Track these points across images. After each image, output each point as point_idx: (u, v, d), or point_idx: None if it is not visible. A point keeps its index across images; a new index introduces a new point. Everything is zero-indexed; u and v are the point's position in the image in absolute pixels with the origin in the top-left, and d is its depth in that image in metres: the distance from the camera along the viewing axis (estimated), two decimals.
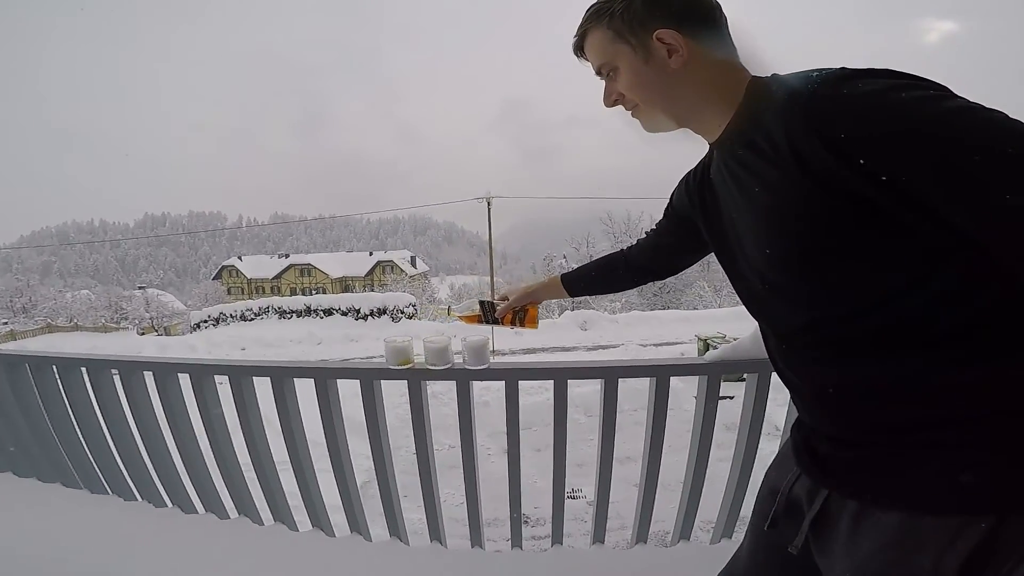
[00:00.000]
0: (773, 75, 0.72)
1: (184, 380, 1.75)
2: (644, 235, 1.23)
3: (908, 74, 0.60)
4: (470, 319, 1.50)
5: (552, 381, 1.52)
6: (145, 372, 1.78)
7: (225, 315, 18.41)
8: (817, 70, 0.64)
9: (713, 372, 1.45)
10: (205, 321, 18.61)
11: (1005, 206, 0.53)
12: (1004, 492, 0.60)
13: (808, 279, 0.69)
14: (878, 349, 0.65)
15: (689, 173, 0.97)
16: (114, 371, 1.78)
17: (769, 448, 1.20)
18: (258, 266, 54.75)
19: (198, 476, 1.88)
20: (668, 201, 1.08)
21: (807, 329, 0.72)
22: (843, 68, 0.62)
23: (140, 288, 38.96)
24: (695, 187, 0.92)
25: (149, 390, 1.82)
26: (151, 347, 14.51)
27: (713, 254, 0.94)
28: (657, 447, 1.59)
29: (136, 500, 2.01)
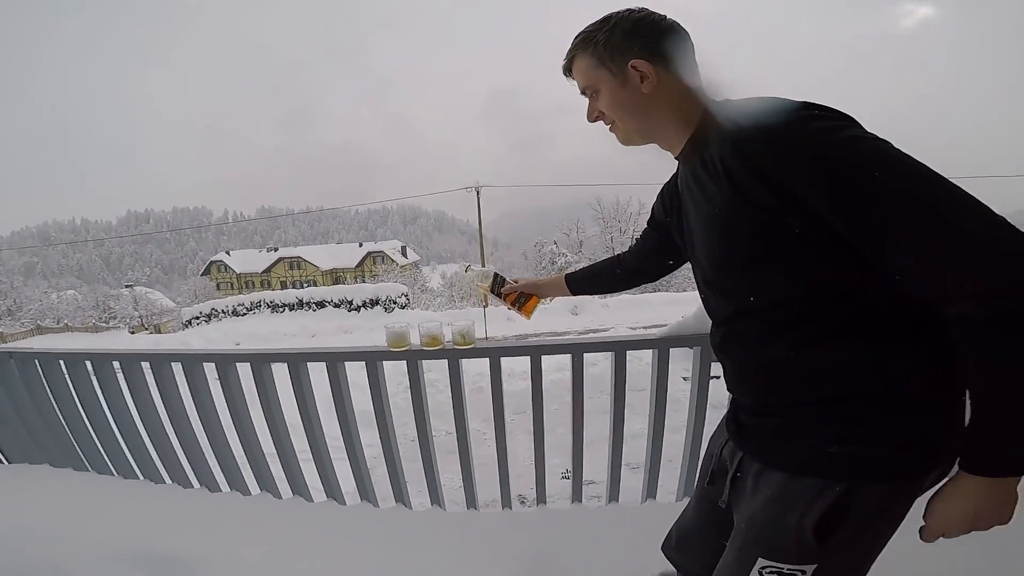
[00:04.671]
0: (724, 101, 0.83)
1: (198, 370, 1.99)
2: (634, 241, 1.37)
3: (824, 107, 0.70)
4: (482, 283, 1.60)
5: (528, 358, 1.77)
6: (173, 364, 2.01)
7: (217, 311, 18.37)
8: (756, 99, 0.76)
9: (663, 346, 1.71)
10: (197, 318, 18.58)
11: (872, 223, 0.64)
12: (858, 464, 0.74)
13: (735, 279, 0.82)
14: (780, 339, 0.78)
15: (664, 185, 1.08)
16: (145, 363, 2.02)
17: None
18: (247, 260, 54.34)
19: (224, 458, 2.13)
20: (650, 212, 1.20)
21: (732, 319, 0.86)
22: (772, 99, 0.73)
23: (127, 286, 38.62)
24: (668, 197, 1.05)
25: (177, 379, 2.05)
26: (146, 345, 14.57)
27: None
28: (620, 415, 1.84)
29: (166, 483, 2.25)
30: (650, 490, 2.01)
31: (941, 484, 0.74)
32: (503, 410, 1.89)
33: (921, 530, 0.75)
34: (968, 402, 0.69)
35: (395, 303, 16.47)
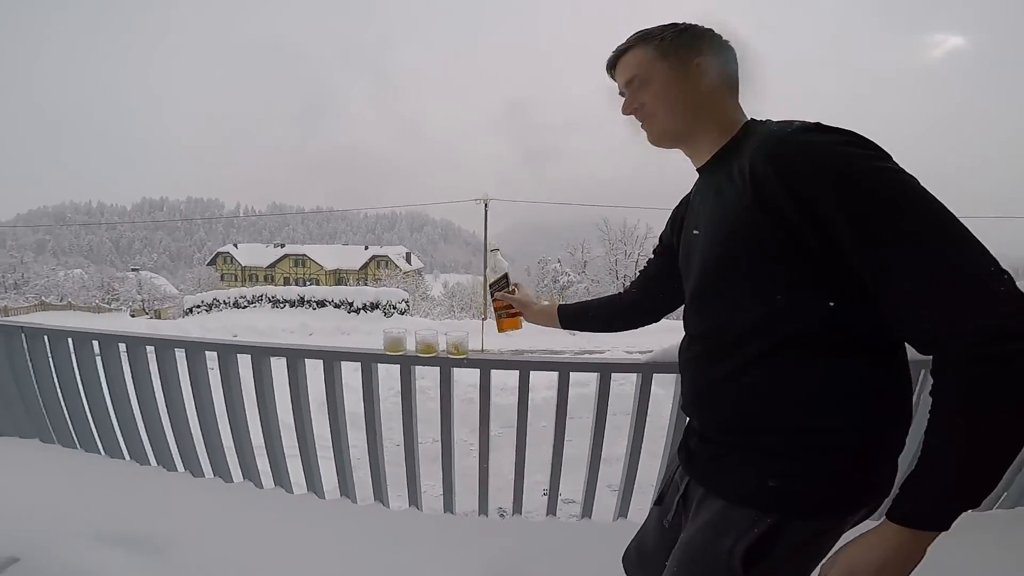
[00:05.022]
0: (765, 120, 0.86)
1: (200, 358, 2.07)
2: (638, 271, 1.34)
3: (858, 135, 0.71)
4: (491, 273, 1.51)
5: (517, 372, 1.84)
6: (177, 349, 2.10)
7: (219, 301, 18.53)
8: (792, 121, 0.77)
9: (647, 371, 1.78)
10: (198, 306, 18.74)
11: (883, 255, 0.65)
12: (792, 500, 0.77)
13: (718, 290, 0.84)
14: (734, 368, 0.81)
15: (676, 208, 1.10)
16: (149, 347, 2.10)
17: None
18: (253, 254, 54.67)
19: (212, 446, 2.20)
20: (659, 238, 1.20)
21: (698, 339, 0.90)
22: (814, 123, 0.75)
23: (133, 270, 38.93)
24: (679, 213, 1.06)
25: (178, 366, 2.13)
26: (145, 329, 14.67)
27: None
28: (600, 435, 1.90)
29: (151, 464, 2.31)
30: (622, 509, 2.05)
31: (854, 531, 0.76)
32: (489, 422, 1.95)
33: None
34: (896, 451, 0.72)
35: (395, 308, 16.55)
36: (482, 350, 9.89)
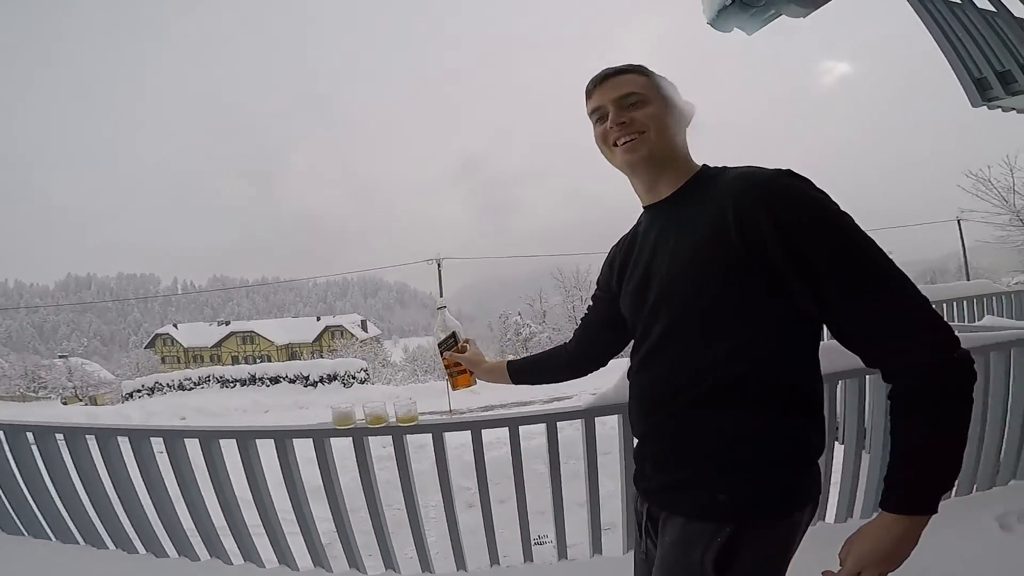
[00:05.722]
0: (723, 167, 0.96)
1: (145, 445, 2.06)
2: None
3: (812, 182, 0.85)
4: (439, 333, 1.50)
5: (469, 432, 1.96)
6: (120, 438, 2.07)
7: (161, 384, 17.61)
8: (762, 167, 0.88)
9: (589, 416, 1.96)
10: (139, 390, 17.76)
11: (850, 289, 0.79)
12: (743, 509, 0.87)
13: (678, 328, 0.91)
14: (684, 403, 0.91)
15: (612, 250, 1.16)
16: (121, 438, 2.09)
17: None
18: (195, 334, 52.07)
19: (171, 526, 2.18)
20: (595, 284, 1.24)
21: (652, 374, 0.97)
22: (786, 169, 0.86)
23: (61, 357, 36.09)
24: (620, 252, 1.11)
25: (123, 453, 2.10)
26: (80, 417, 13.53)
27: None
28: (556, 479, 2.02)
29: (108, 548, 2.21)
30: (595, 546, 2.15)
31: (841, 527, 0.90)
32: (450, 483, 2.05)
33: (839, 572, 0.84)
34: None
35: (354, 378, 16.09)
36: (450, 410, 9.73)
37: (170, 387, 17.37)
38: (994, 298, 5.33)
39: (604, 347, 1.26)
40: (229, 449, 2.05)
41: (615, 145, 0.99)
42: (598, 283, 1.23)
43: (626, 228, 1.13)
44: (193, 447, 2.04)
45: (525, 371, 1.39)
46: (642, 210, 1.07)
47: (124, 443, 2.10)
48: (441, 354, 1.49)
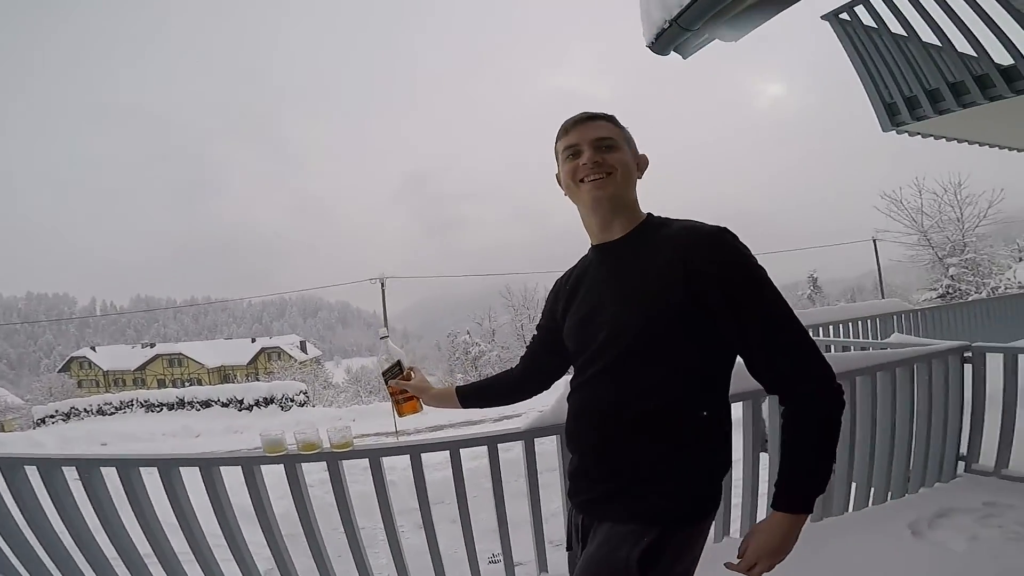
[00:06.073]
0: (666, 217, 1.11)
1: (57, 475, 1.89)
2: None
3: (739, 239, 1.02)
4: (382, 362, 1.52)
5: (408, 456, 1.93)
6: (27, 467, 1.88)
7: (78, 409, 16.35)
8: (704, 222, 1.05)
9: (528, 437, 1.98)
10: (52, 416, 16.43)
11: (766, 331, 0.98)
12: (667, 514, 1.00)
13: (617, 358, 1.03)
14: (615, 423, 1.04)
15: (557, 282, 1.27)
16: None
17: None
18: (116, 357, 47.98)
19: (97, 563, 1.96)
20: (542, 314, 1.34)
21: (594, 397, 1.08)
22: (723, 226, 1.02)
23: None
24: (566, 285, 1.21)
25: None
26: None
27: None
28: (500, 499, 2.03)
29: None
30: (541, 564, 2.15)
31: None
32: (390, 509, 1.99)
33: (739, 564, 1.01)
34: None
35: (292, 401, 15.34)
36: (396, 431, 9.45)
37: (88, 412, 16.17)
38: (904, 316, 5.78)
39: (549, 372, 1.36)
40: (151, 478, 1.90)
41: (582, 181, 1.09)
42: (543, 313, 1.32)
43: (573, 249, 1.24)
44: (111, 475, 1.88)
45: (473, 395, 1.45)
46: (590, 247, 1.18)
47: (32, 472, 1.89)
48: (386, 383, 1.50)
